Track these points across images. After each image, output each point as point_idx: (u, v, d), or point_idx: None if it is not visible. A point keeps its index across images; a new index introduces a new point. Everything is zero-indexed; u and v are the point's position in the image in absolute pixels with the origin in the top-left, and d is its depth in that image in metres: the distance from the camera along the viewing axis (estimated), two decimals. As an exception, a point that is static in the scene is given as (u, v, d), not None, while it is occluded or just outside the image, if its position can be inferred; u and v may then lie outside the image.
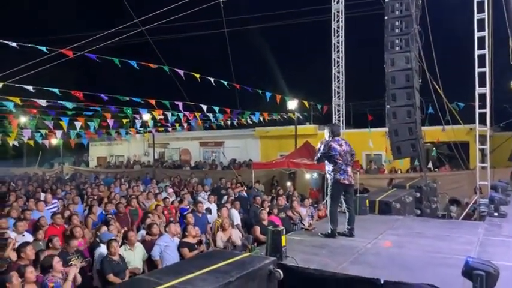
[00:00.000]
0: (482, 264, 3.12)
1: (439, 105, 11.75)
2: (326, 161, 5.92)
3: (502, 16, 10.44)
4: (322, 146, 5.88)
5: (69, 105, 10.73)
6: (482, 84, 10.17)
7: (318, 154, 5.93)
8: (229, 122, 16.10)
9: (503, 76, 11.63)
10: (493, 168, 11.72)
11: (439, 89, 11.10)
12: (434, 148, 17.07)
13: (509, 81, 11.92)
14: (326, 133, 6.00)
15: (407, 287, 3.82)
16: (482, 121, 10.57)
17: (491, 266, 3.10)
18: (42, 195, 10.98)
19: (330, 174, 5.89)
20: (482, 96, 10.24)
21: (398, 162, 15.48)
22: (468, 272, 3.15)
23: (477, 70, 10.15)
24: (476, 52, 10.09)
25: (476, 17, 10.02)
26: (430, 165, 15.99)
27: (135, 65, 8.37)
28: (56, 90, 9.07)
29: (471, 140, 15.07)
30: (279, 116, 17.16)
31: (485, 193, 9.96)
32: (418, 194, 9.46)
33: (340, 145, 5.83)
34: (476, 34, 10.09)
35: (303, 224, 8.33)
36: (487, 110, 10.24)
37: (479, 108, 10.32)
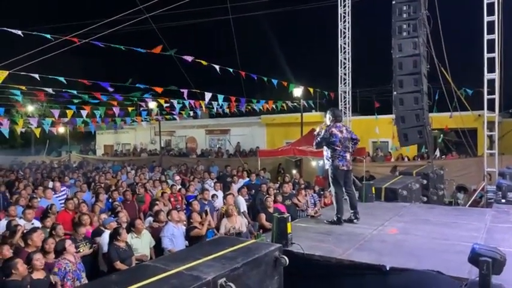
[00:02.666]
0: (488, 250, 3.10)
1: (447, 92, 11.63)
2: (325, 147, 5.87)
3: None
4: (323, 131, 5.83)
5: (74, 92, 10.75)
6: (491, 69, 10.04)
7: (318, 138, 5.87)
8: (235, 110, 16.04)
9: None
10: (502, 154, 11.63)
11: (446, 75, 10.97)
12: (441, 135, 16.95)
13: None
14: (328, 117, 5.94)
15: (413, 274, 3.82)
16: (491, 107, 10.45)
17: (497, 252, 3.08)
18: (50, 184, 11.10)
19: (328, 160, 5.87)
20: (491, 82, 10.12)
21: (405, 149, 15.41)
22: (474, 258, 3.13)
23: (486, 55, 10.01)
24: (486, 37, 9.94)
25: (485, 0, 9.83)
26: (438, 152, 15.88)
27: (142, 51, 8.33)
28: (62, 79, 9.07)
29: (479, 127, 14.94)
30: (284, 104, 17.04)
31: (493, 180, 9.90)
32: (425, 181, 9.40)
33: (341, 131, 5.79)
34: (486, 18, 9.93)
35: (307, 212, 8.36)
36: (496, 96, 10.12)
37: (488, 94, 10.21)
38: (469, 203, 10.86)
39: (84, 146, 30.42)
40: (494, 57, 9.86)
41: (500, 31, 9.87)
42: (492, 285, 3.04)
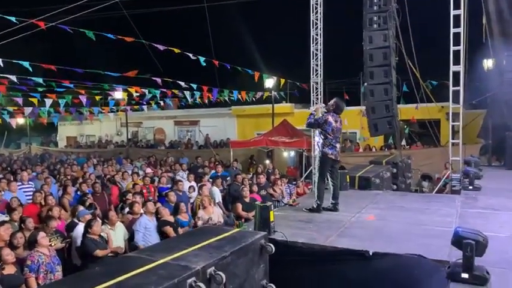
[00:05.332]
0: (471, 233, 3.21)
1: (413, 84, 11.95)
2: (317, 133, 5.96)
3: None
4: (321, 116, 5.91)
5: (40, 80, 10.17)
6: (456, 62, 10.37)
7: (312, 120, 5.90)
8: (206, 101, 15.80)
9: (476, 54, 11.91)
10: (463, 144, 12.15)
11: (414, 68, 11.27)
12: (406, 126, 17.51)
13: (481, 60, 12.24)
14: (331, 104, 5.97)
15: (396, 258, 3.92)
16: (454, 99, 10.81)
17: (480, 235, 3.20)
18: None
19: (318, 147, 5.92)
20: (456, 75, 10.46)
21: (373, 140, 15.82)
22: (458, 241, 3.23)
23: (452, 48, 10.32)
24: (452, 30, 10.23)
25: (452, -5, 10.12)
26: (404, 142, 16.39)
27: (112, 37, 7.97)
28: (27, 64, 8.53)
29: (442, 118, 15.54)
30: (257, 96, 16.95)
31: (455, 169, 10.31)
32: (395, 170, 9.68)
33: (336, 121, 5.87)
34: (452, 12, 10.23)
35: (283, 202, 8.43)
36: (461, 88, 10.48)
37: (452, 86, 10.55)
38: (435, 191, 11.28)
39: (46, 138, 29.15)
40: (459, 50, 10.16)
41: (465, 24, 10.19)
42: (475, 267, 3.16)
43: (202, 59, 10.64)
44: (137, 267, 3.13)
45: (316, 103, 11.88)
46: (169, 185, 9.62)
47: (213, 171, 11.97)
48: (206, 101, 15.30)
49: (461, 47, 10.19)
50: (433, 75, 14.69)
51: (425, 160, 13.93)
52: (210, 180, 9.90)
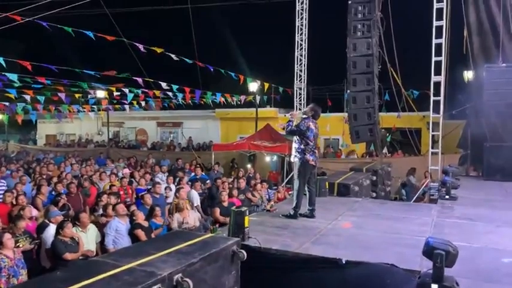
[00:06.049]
0: (442, 244, 3.19)
1: (396, 92, 12.06)
2: (297, 139, 5.79)
3: (458, 7, 10.84)
4: (301, 122, 5.78)
5: (14, 77, 9.87)
6: (437, 72, 10.51)
7: (294, 127, 5.72)
8: (190, 102, 15.62)
9: (457, 65, 12.09)
10: (443, 154, 12.30)
11: (396, 77, 11.38)
12: (388, 134, 17.68)
13: (462, 71, 12.43)
14: (308, 111, 5.90)
15: (369, 267, 3.88)
16: (434, 108, 10.94)
17: (450, 245, 3.18)
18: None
19: (299, 153, 5.76)
20: (437, 85, 10.60)
21: (355, 147, 15.92)
22: (429, 251, 3.21)
23: (434, 59, 10.45)
24: (434, 41, 10.38)
25: (435, 6, 10.28)
26: (385, 150, 16.54)
27: (92, 35, 7.80)
28: (1, 59, 8.23)
29: (423, 127, 15.74)
30: (241, 99, 16.85)
31: (434, 177, 10.41)
32: (374, 178, 9.71)
33: (316, 127, 5.81)
34: (435, 23, 10.37)
35: (264, 206, 8.34)
36: (441, 98, 10.62)
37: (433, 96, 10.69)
38: (413, 199, 11.36)
39: (24, 136, 28.50)
40: (441, 61, 10.30)
41: (447, 35, 10.34)
42: (445, 277, 3.14)
43: (186, 59, 10.53)
44: (102, 272, 3.02)
45: (300, 109, 11.95)
46: (149, 187, 9.44)
47: (192, 174, 11.83)
48: (190, 102, 15.15)
49: (442, 58, 10.35)
50: (416, 85, 14.90)
51: (405, 168, 14.03)
52: (189, 183, 9.78)
